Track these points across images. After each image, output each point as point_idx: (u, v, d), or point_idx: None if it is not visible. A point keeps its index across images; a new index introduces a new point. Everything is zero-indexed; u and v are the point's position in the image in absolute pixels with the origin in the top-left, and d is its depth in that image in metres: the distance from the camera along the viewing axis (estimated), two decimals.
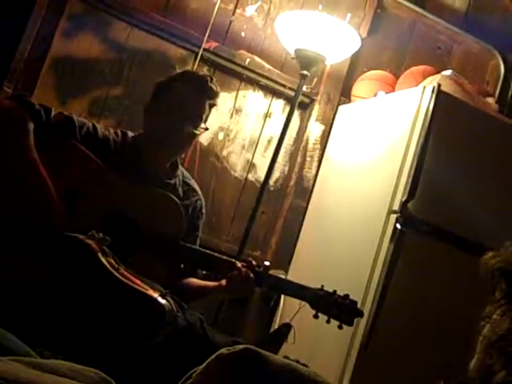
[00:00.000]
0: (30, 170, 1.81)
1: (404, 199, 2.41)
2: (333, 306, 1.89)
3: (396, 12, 3.37)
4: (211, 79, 2.07)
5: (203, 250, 2.00)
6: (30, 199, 1.80)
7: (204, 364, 0.75)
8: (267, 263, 1.99)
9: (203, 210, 2.18)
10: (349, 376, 2.32)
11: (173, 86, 2.05)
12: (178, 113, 2.00)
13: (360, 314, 1.96)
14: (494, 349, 0.79)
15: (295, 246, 3.07)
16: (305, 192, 3.14)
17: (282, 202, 3.16)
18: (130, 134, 2.09)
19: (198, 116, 2.03)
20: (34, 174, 1.81)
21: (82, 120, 2.01)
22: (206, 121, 2.08)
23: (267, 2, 3.14)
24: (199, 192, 2.18)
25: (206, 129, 2.09)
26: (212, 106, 2.09)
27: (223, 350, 0.75)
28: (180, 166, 2.14)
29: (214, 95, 2.07)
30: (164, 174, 2.06)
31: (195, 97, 2.03)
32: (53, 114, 1.93)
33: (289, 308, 2.65)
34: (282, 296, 2.82)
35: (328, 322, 1.90)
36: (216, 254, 1.98)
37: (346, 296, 1.92)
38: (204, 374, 0.74)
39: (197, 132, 2.04)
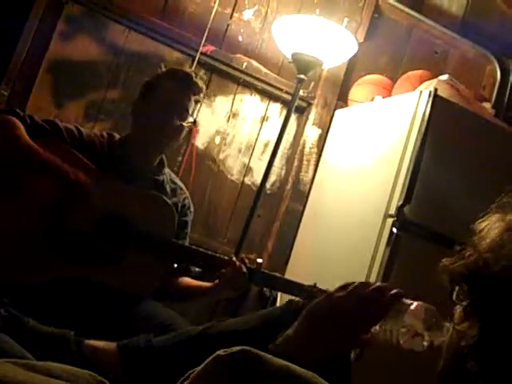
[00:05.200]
0: (32, 155, 1.84)
1: (400, 203, 2.42)
2: None
3: (393, 17, 3.38)
4: (196, 75, 2.15)
5: (195, 247, 2.03)
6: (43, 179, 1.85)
7: (201, 365, 0.75)
8: (260, 260, 2.01)
9: (191, 209, 2.23)
10: None
11: (159, 84, 2.11)
12: (165, 108, 2.05)
13: None
14: (469, 356, 0.79)
15: (291, 249, 3.07)
16: (301, 196, 3.14)
17: (278, 206, 3.16)
18: (116, 135, 2.12)
19: (184, 110, 2.09)
20: (37, 157, 1.84)
21: (65, 124, 2.05)
22: (192, 115, 2.14)
23: (264, 6, 3.14)
24: (186, 191, 2.23)
25: (194, 121, 2.15)
26: (197, 101, 2.16)
27: (220, 351, 0.75)
28: (166, 166, 2.17)
29: (198, 91, 2.13)
30: (152, 171, 2.10)
31: (181, 92, 2.10)
32: (36, 119, 1.96)
33: None
34: (279, 297, 2.82)
35: None
36: (208, 252, 2.01)
37: None
38: (201, 374, 0.74)
39: (184, 125, 2.09)
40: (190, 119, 2.12)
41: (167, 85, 2.09)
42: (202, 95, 2.17)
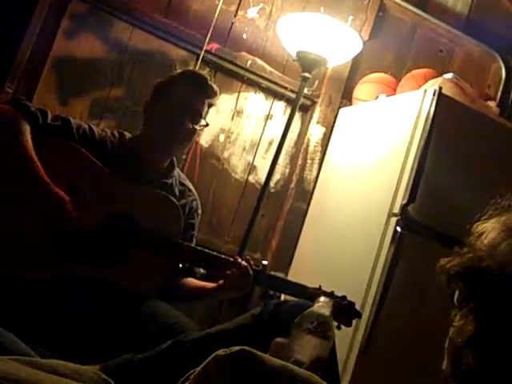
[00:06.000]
0: (27, 170, 1.82)
1: (404, 202, 2.41)
2: None
3: (398, 15, 3.37)
4: (210, 78, 2.10)
5: (201, 248, 2.01)
6: (30, 198, 1.82)
7: (201, 365, 0.75)
8: (265, 262, 2.00)
9: (199, 211, 2.20)
10: (347, 381, 2.31)
11: (173, 86, 2.08)
12: (178, 111, 2.02)
13: (358, 315, 1.96)
14: (465, 351, 0.80)
15: (295, 248, 3.07)
16: (305, 194, 3.14)
17: (282, 204, 3.16)
18: (128, 134, 2.10)
19: (197, 113, 2.06)
20: (31, 172, 1.82)
21: (78, 122, 2.03)
22: (204, 118, 2.11)
23: (269, 4, 3.14)
24: (195, 192, 2.20)
25: (206, 125, 2.12)
26: (210, 105, 2.12)
27: (220, 352, 0.75)
28: (176, 167, 2.15)
29: (212, 94, 2.10)
30: (161, 174, 2.08)
31: (194, 95, 2.06)
32: (49, 116, 1.94)
33: None
34: (282, 298, 2.82)
35: None
36: (214, 253, 2.00)
37: (344, 297, 1.93)
38: (201, 374, 0.74)
39: (197, 128, 2.06)
40: (203, 122, 2.08)
41: (180, 87, 2.05)
42: (215, 99, 2.14)
